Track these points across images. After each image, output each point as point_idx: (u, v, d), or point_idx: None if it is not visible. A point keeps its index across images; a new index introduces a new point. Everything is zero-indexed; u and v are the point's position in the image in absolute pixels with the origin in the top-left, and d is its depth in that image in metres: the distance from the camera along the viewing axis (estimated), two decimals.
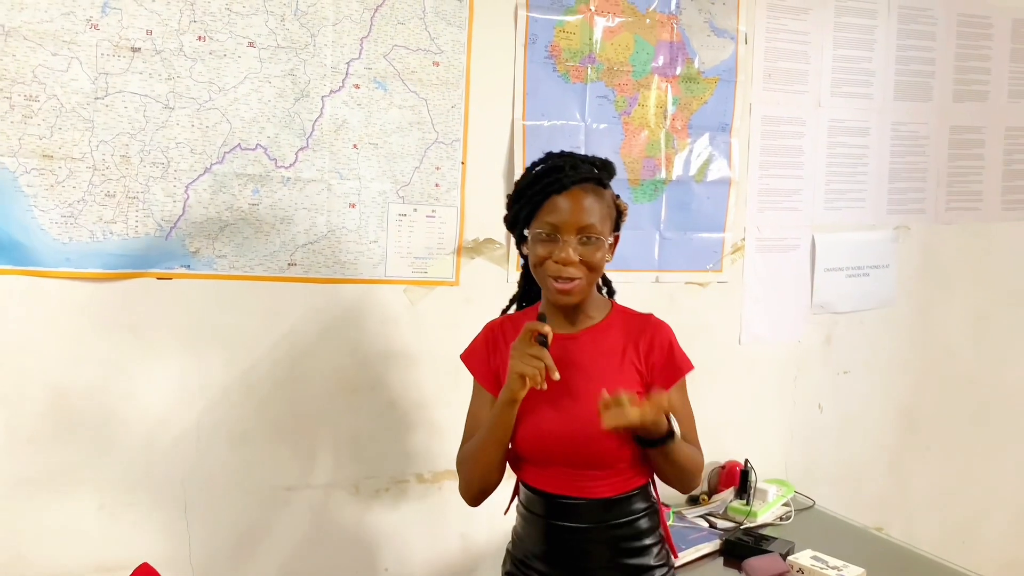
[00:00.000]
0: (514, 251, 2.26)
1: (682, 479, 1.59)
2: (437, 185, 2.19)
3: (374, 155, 2.11)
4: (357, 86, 2.08)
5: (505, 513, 1.70)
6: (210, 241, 1.97)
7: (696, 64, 2.48)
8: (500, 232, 2.26)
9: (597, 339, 1.60)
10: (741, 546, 2.17)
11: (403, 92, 2.13)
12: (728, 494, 2.48)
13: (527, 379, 1.44)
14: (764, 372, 2.71)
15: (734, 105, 2.55)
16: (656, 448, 1.51)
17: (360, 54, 2.08)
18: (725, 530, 2.29)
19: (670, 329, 1.65)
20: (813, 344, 2.78)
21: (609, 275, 1.71)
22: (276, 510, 2.10)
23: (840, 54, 2.72)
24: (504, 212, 1.64)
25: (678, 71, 2.45)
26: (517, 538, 1.66)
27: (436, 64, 2.16)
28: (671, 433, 1.49)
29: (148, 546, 1.95)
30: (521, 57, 2.26)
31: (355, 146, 2.09)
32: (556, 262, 1.51)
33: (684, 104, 2.47)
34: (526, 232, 1.56)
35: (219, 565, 2.04)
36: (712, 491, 2.54)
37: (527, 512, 1.62)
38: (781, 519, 2.43)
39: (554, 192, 1.52)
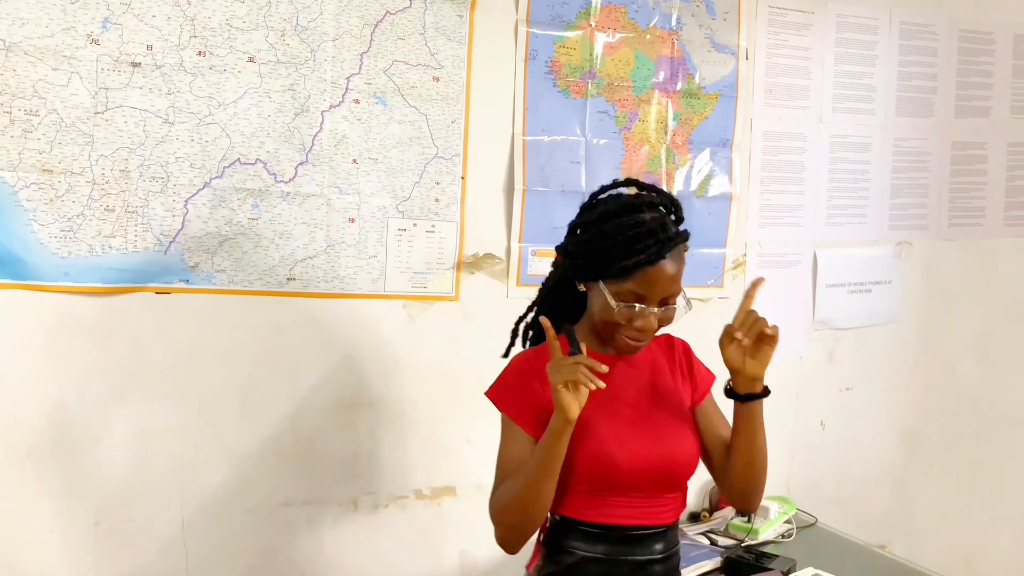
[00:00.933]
0: (514, 266, 2.26)
1: (764, 466, 1.52)
2: (437, 200, 2.19)
3: (374, 170, 2.11)
4: (357, 101, 2.08)
5: (529, 567, 1.59)
6: (209, 256, 1.97)
7: (697, 79, 2.48)
8: (500, 247, 2.25)
9: (640, 357, 1.58)
10: (742, 564, 2.14)
11: (403, 107, 2.13)
12: (729, 511, 2.46)
13: (576, 387, 1.33)
14: None
15: (735, 120, 2.54)
16: (757, 401, 1.48)
17: (360, 69, 2.08)
18: (726, 547, 2.26)
19: (685, 341, 1.68)
20: (815, 360, 2.77)
21: None
22: (274, 527, 2.08)
23: (841, 69, 2.72)
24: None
25: (679, 86, 2.45)
26: None
27: (436, 79, 2.16)
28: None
29: (145, 563, 1.94)
30: (521, 72, 2.26)
31: (355, 161, 2.09)
32: (637, 328, 1.46)
33: (685, 119, 2.47)
34: (602, 284, 1.47)
35: None
36: (713, 508, 2.52)
37: (583, 555, 1.51)
38: (783, 536, 2.40)
39: (647, 264, 1.43)
